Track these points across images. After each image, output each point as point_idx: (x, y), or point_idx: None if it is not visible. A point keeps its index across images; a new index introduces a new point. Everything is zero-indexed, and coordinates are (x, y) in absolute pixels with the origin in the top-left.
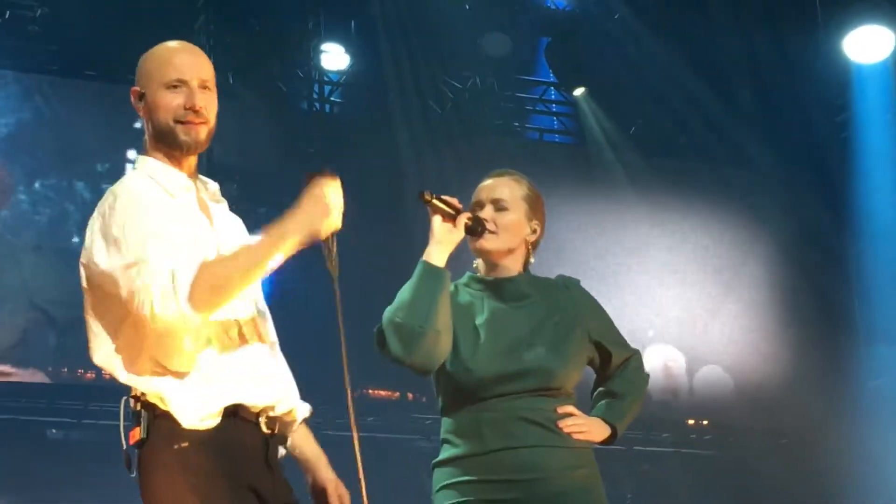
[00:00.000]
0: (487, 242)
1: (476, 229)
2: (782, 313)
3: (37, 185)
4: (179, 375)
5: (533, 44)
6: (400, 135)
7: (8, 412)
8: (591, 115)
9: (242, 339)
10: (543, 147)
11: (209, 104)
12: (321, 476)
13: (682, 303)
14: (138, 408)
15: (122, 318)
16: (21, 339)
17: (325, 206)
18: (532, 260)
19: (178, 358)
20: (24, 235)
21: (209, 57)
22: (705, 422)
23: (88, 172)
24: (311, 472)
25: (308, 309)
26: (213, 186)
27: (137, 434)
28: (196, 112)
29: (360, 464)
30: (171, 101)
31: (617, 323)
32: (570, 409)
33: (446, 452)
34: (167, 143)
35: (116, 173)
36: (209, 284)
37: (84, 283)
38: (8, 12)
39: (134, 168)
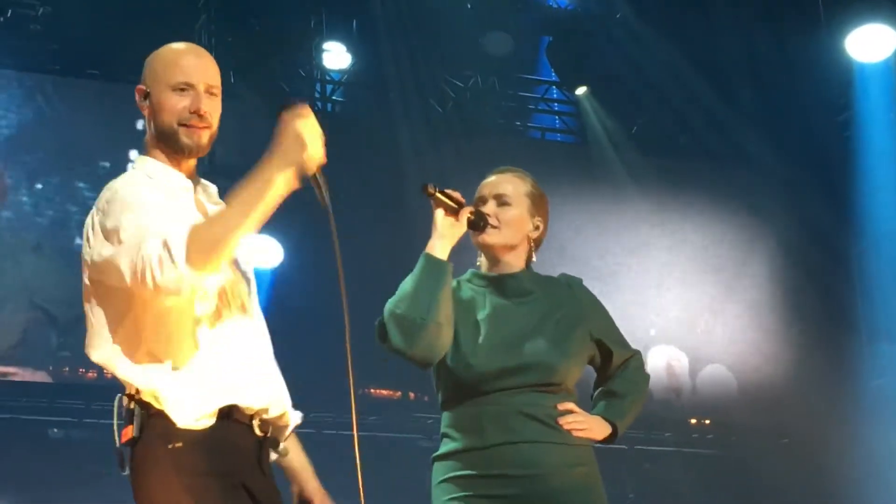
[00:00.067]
0: (489, 237)
1: (478, 224)
2: (785, 313)
3: (38, 185)
4: (176, 370)
5: (534, 43)
6: (401, 134)
7: (9, 411)
8: (592, 114)
9: (238, 336)
10: (545, 146)
11: (213, 109)
12: (308, 487)
13: (683, 302)
14: (132, 406)
15: (124, 312)
16: (22, 339)
17: (303, 139)
18: (534, 258)
19: (177, 347)
20: (26, 235)
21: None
22: (707, 421)
23: (90, 172)
24: (298, 483)
25: (309, 310)
26: (213, 189)
27: (130, 432)
28: (200, 116)
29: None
30: (177, 104)
31: (618, 322)
32: (571, 406)
33: (446, 446)
34: (168, 145)
35: (118, 173)
36: (203, 241)
37: (85, 280)
38: (9, 11)
39: (133, 168)
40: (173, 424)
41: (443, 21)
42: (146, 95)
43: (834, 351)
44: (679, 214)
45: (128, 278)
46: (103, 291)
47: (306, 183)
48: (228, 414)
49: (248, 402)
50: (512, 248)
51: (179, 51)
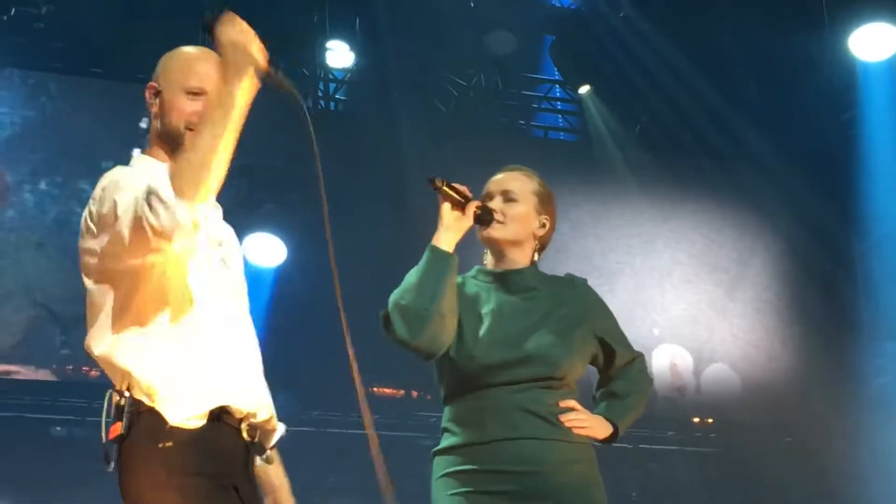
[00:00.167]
0: (495, 231)
1: (484, 218)
2: (788, 312)
3: (42, 184)
4: (174, 364)
5: (538, 42)
6: (404, 132)
7: (12, 410)
8: (595, 112)
9: (230, 339)
10: (548, 145)
11: None
12: (283, 503)
13: (686, 301)
14: (122, 403)
15: (128, 297)
16: (26, 337)
17: (241, 43)
18: (537, 257)
19: (177, 338)
20: (29, 234)
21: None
22: (710, 420)
23: (93, 171)
24: (274, 498)
25: (312, 308)
26: None
27: (119, 429)
28: None
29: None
30: (188, 107)
31: (621, 321)
32: (573, 403)
33: (446, 441)
34: (172, 146)
35: None
36: (186, 171)
37: (87, 271)
38: (13, 9)
39: (131, 164)
40: (164, 423)
41: (446, 20)
42: (157, 93)
43: (837, 350)
44: (682, 213)
45: (127, 239)
46: (107, 278)
47: (266, 80)
48: (219, 416)
49: (239, 404)
50: (517, 244)
51: (197, 56)
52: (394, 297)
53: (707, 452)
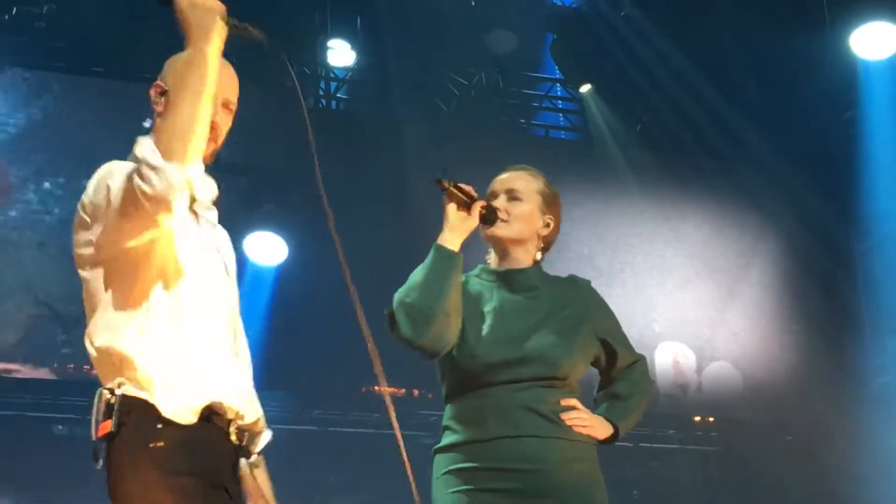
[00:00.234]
0: (498, 230)
1: (488, 217)
2: (789, 311)
3: (46, 183)
4: (173, 353)
5: (539, 40)
6: (405, 131)
7: (14, 408)
8: (596, 111)
9: (224, 339)
10: (549, 144)
11: (224, 125)
12: None
13: (687, 300)
14: (113, 401)
15: (129, 284)
16: (27, 336)
17: (200, 2)
18: (540, 256)
19: (175, 326)
20: (31, 233)
21: None
22: (711, 419)
23: (95, 170)
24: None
25: (313, 307)
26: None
27: (108, 426)
28: (212, 129)
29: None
30: None
31: (623, 320)
32: (574, 402)
33: (448, 439)
34: None
35: None
36: (171, 135)
37: (82, 262)
38: (14, 9)
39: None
40: (155, 423)
41: (447, 19)
42: (163, 93)
43: (838, 349)
44: (683, 212)
45: (122, 216)
46: (105, 266)
47: (234, 34)
48: (209, 417)
49: (230, 402)
50: (521, 243)
51: None
52: (399, 295)
53: (708, 451)
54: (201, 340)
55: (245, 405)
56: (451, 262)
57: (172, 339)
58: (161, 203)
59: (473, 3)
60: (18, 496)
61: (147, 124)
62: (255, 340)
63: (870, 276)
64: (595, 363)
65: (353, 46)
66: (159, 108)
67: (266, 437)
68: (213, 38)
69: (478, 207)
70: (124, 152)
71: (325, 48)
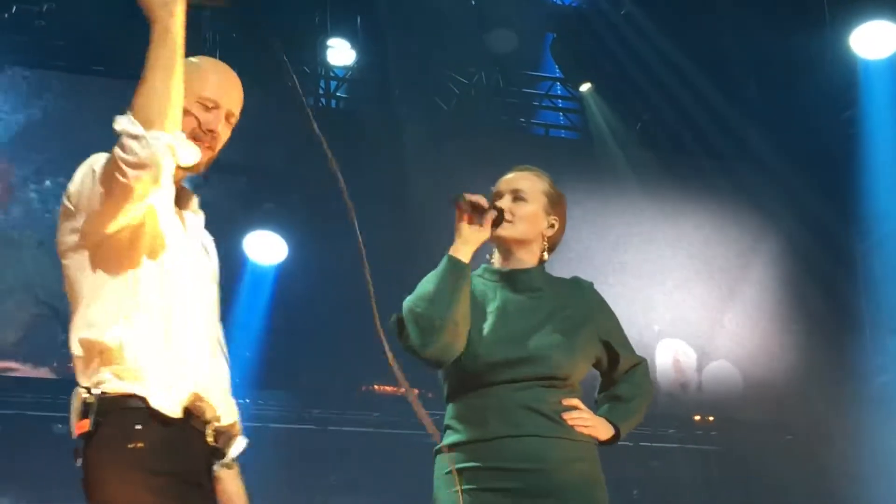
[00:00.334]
0: (503, 230)
1: (496, 220)
2: (789, 310)
3: (47, 182)
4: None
5: (539, 40)
6: (405, 130)
7: (13, 407)
8: (597, 110)
9: (206, 340)
10: (549, 143)
11: (223, 135)
12: None
13: (687, 300)
14: (91, 400)
15: (117, 270)
16: (27, 334)
17: None
18: (545, 257)
19: (164, 315)
20: (32, 232)
21: (213, 53)
22: (711, 418)
23: None
24: None
25: (313, 306)
26: (195, 200)
27: (86, 426)
28: (212, 138)
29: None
30: (200, 117)
31: (623, 320)
32: (576, 402)
33: (449, 438)
34: None
35: None
36: (148, 103)
37: (66, 249)
38: (14, 7)
39: None
40: (133, 424)
41: (447, 18)
42: None
43: (838, 348)
44: (683, 211)
45: (105, 193)
46: (90, 252)
47: (194, 4)
48: (188, 417)
49: (212, 400)
50: (525, 243)
51: (216, 68)
52: (408, 303)
53: (708, 450)
54: (187, 335)
55: (223, 406)
56: (462, 275)
57: (161, 332)
58: (146, 169)
59: (473, 3)
60: (18, 495)
61: None
62: (255, 340)
63: (870, 276)
64: (596, 365)
65: (353, 45)
66: None
67: (241, 443)
68: (175, 12)
69: (489, 218)
70: None
71: (325, 47)
